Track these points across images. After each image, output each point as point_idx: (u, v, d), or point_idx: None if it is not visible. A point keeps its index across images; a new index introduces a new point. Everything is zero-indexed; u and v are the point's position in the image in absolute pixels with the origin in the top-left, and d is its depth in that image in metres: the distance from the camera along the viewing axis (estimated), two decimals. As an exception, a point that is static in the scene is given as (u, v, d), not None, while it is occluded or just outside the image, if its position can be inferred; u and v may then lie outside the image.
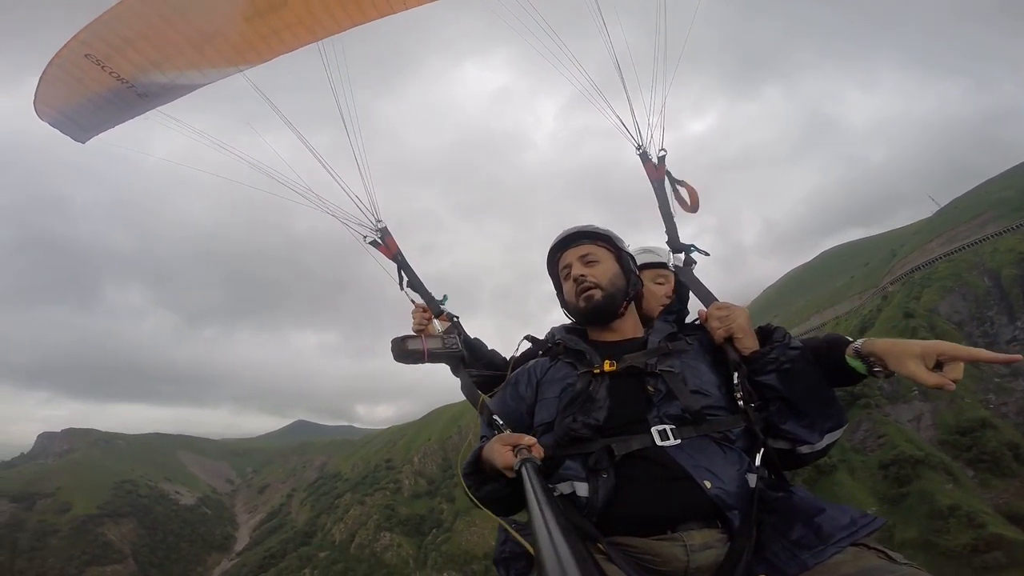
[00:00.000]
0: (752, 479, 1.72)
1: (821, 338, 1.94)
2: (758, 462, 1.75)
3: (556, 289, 2.44)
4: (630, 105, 2.67)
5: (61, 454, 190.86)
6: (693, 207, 2.65)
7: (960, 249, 70.66)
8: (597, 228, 2.34)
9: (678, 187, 2.67)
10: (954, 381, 1.52)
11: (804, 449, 1.82)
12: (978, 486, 45.62)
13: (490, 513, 1.88)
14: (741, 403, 1.85)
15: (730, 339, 2.00)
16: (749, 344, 1.98)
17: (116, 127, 3.02)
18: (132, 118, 2.93)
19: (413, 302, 2.83)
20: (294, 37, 2.76)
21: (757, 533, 1.59)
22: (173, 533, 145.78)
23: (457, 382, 2.56)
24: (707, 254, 2.53)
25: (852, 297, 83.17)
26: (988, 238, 68.94)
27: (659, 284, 2.75)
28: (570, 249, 2.30)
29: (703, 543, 1.59)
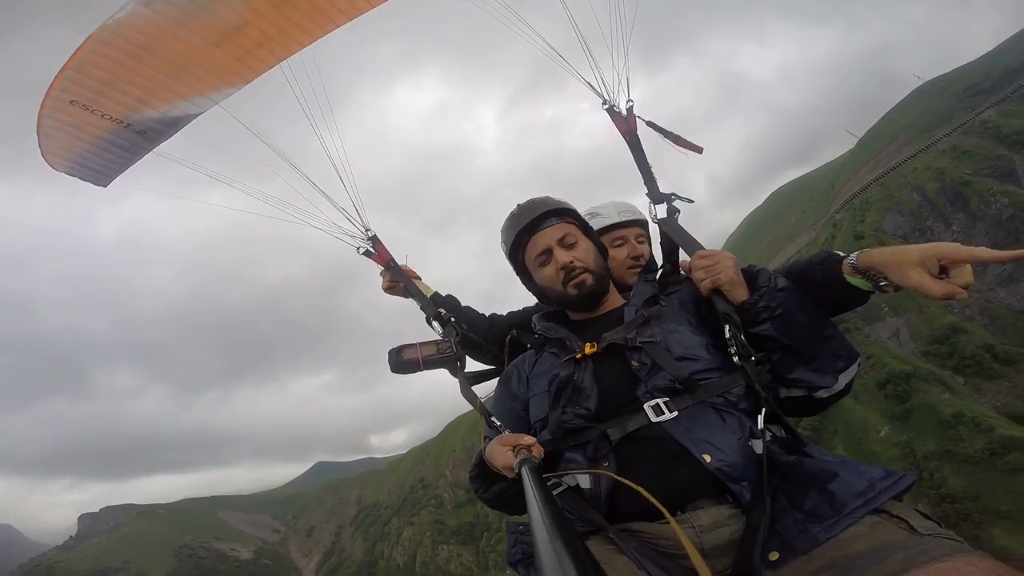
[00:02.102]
0: (758, 445, 1.50)
1: (811, 259, 1.70)
2: (761, 424, 1.52)
3: (520, 275, 2.21)
4: (588, 58, 2.39)
5: (109, 531, 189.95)
6: (697, 148, 2.37)
7: (886, 173, 76.68)
8: (560, 203, 2.11)
9: (670, 135, 2.37)
10: (964, 287, 1.33)
11: (822, 393, 1.63)
12: (972, 391, 46.32)
13: (503, 513, 1.79)
14: (736, 359, 1.63)
15: (718, 290, 1.75)
16: (738, 294, 1.71)
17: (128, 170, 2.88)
18: (143, 156, 2.78)
19: (380, 266, 2.74)
20: (269, 54, 2.60)
21: (771, 504, 1.39)
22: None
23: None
24: (690, 201, 2.22)
25: (808, 230, 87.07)
26: (906, 160, 75.17)
27: (617, 247, 2.50)
28: (540, 231, 2.05)
29: (712, 522, 1.42)
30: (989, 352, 47.13)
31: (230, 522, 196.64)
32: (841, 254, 1.62)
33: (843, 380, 1.61)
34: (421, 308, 2.55)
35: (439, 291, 2.75)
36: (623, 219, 2.54)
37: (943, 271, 1.35)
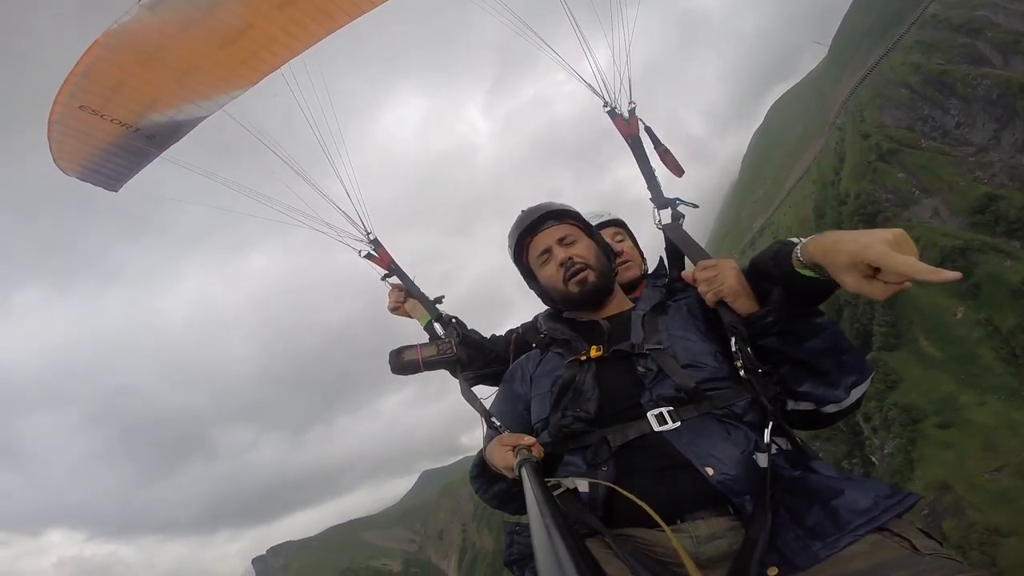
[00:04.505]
0: (762, 459, 1.39)
1: (765, 253, 1.51)
2: (767, 438, 1.40)
3: (526, 278, 2.09)
4: (589, 60, 2.23)
5: (281, 568, 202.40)
6: (678, 171, 2.18)
7: (866, 76, 77.64)
8: (561, 205, 2.00)
9: (661, 148, 2.19)
10: (905, 281, 1.09)
11: (830, 408, 1.47)
12: None
13: (505, 513, 1.72)
14: (742, 372, 1.49)
15: (723, 301, 1.59)
16: (744, 306, 1.56)
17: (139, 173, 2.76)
18: (151, 160, 2.67)
19: (390, 284, 2.62)
20: (273, 55, 2.48)
21: (772, 518, 1.27)
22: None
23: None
24: (695, 206, 2.06)
25: (816, 138, 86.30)
26: (879, 62, 76.68)
27: (618, 242, 2.41)
28: (540, 233, 1.95)
29: (710, 534, 1.32)
30: (1034, 212, 43.76)
31: (373, 541, 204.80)
32: (794, 241, 1.40)
33: (854, 395, 1.45)
34: (424, 308, 2.45)
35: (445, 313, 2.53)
36: (593, 223, 2.30)
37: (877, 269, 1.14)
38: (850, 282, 1.18)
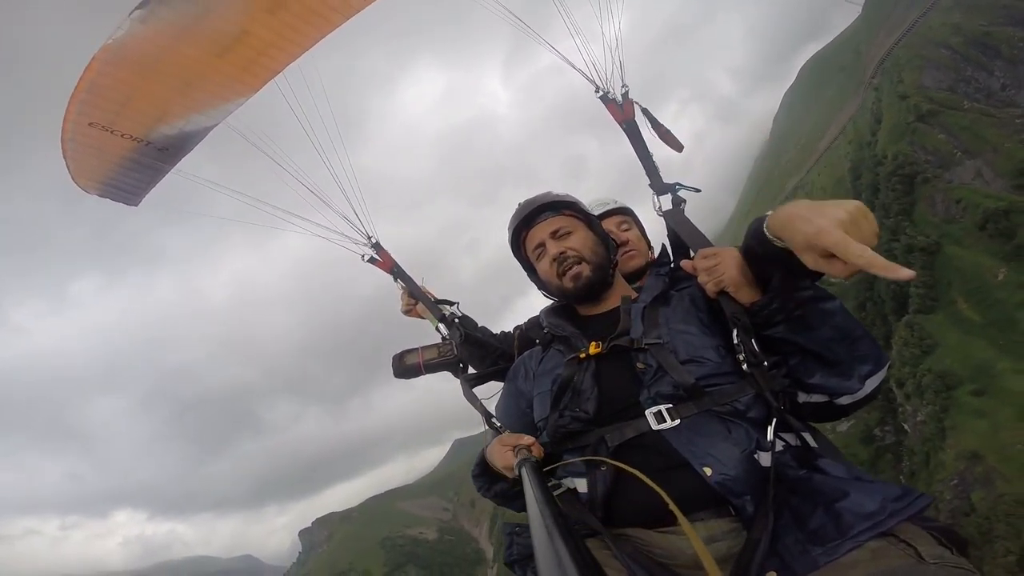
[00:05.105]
0: (765, 457, 1.33)
1: (748, 232, 1.44)
2: (770, 436, 1.34)
3: (526, 270, 2.04)
4: (578, 44, 2.16)
5: (327, 539, 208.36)
6: (678, 146, 2.14)
7: (905, 34, 73.82)
8: (558, 196, 1.92)
9: (660, 127, 2.13)
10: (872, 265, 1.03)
11: (844, 400, 1.40)
12: None
13: (510, 511, 1.71)
14: (745, 367, 1.44)
15: (724, 291, 1.53)
16: (746, 296, 1.49)
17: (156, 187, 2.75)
18: (166, 173, 2.68)
19: (401, 286, 2.60)
20: (272, 60, 2.44)
21: (774, 520, 1.22)
22: (442, 564, 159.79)
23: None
24: (697, 190, 1.99)
25: (851, 99, 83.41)
26: (918, 20, 73.30)
27: (624, 231, 2.33)
28: (536, 225, 1.90)
29: (709, 536, 1.29)
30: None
31: (409, 510, 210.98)
32: (765, 216, 1.34)
33: (869, 386, 1.38)
34: (431, 312, 2.44)
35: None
36: (598, 212, 2.29)
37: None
38: (809, 261, 1.16)
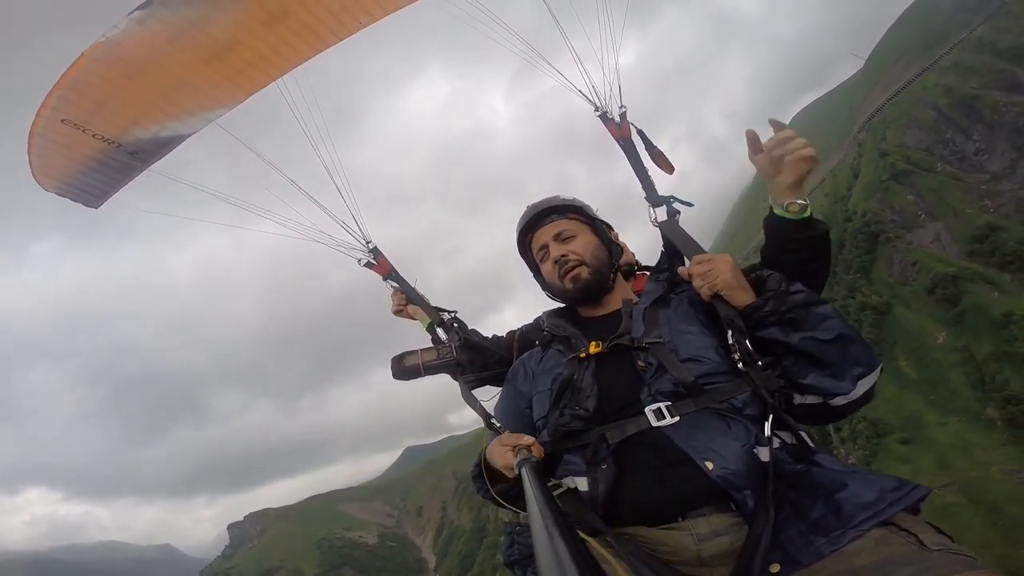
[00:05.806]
0: (764, 452, 1.38)
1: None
2: (768, 431, 1.39)
3: (532, 271, 2.12)
4: (579, 64, 2.22)
5: (259, 535, 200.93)
6: (669, 168, 2.20)
7: (898, 93, 76.78)
8: (564, 200, 2.00)
9: (653, 149, 2.19)
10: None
11: (838, 401, 1.44)
12: (1020, 288, 45.08)
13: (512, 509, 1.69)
14: (740, 366, 1.49)
15: (719, 295, 1.60)
16: (740, 299, 1.57)
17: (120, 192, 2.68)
18: (133, 178, 2.60)
19: (391, 287, 2.62)
20: (261, 73, 2.40)
21: (775, 514, 1.26)
22: (380, 570, 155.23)
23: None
24: (690, 204, 2.03)
25: (835, 151, 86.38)
26: (914, 79, 76.55)
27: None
28: (541, 228, 1.98)
29: (711, 531, 1.32)
30: (1030, 247, 44.36)
31: (351, 513, 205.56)
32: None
33: (862, 387, 1.42)
34: (428, 315, 2.46)
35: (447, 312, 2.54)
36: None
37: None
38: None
